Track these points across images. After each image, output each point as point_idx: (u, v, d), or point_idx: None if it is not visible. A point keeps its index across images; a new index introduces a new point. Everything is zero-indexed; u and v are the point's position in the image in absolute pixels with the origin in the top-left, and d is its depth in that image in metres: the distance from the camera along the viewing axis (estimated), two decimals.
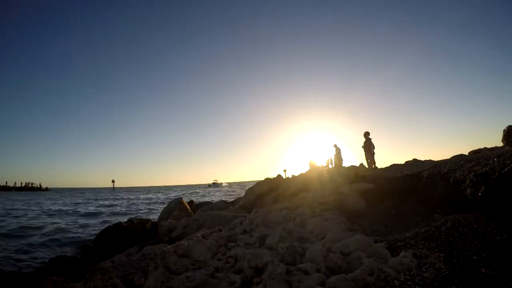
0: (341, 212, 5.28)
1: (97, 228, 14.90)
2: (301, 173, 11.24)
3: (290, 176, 12.21)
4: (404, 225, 4.42)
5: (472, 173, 4.46)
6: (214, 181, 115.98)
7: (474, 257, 2.78)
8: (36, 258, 9.52)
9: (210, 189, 79.45)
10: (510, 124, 9.57)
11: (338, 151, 12.56)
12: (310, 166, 12.17)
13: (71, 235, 13.87)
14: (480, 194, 4.09)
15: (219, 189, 76.71)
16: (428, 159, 9.91)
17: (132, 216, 18.53)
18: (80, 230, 15.26)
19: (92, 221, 19.17)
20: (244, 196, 12.74)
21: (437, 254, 3.04)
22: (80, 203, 33.61)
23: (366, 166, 11.33)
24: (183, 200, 13.06)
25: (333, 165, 12.53)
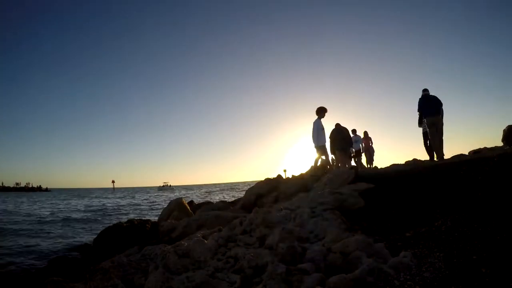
0: (341, 212, 5.27)
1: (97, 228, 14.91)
2: (301, 173, 11.23)
3: (290, 176, 12.21)
4: (404, 225, 4.42)
5: (472, 173, 4.47)
6: (165, 184, 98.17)
7: (474, 257, 2.78)
8: (37, 258, 9.52)
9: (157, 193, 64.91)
10: (510, 124, 9.58)
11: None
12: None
13: (72, 235, 13.88)
14: (480, 193, 4.09)
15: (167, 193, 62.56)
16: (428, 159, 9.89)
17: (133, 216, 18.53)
18: (80, 231, 15.27)
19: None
20: (244, 196, 12.74)
21: (437, 254, 3.04)
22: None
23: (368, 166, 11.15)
24: (183, 200, 13.08)
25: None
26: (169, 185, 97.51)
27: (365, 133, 13.13)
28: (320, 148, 9.48)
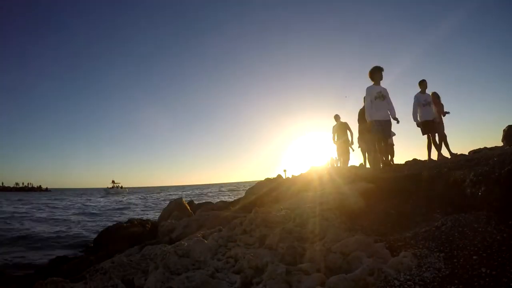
0: (341, 212, 5.27)
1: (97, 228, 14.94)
2: (301, 173, 11.25)
3: (290, 176, 12.24)
4: (404, 225, 4.42)
5: (472, 173, 4.46)
6: (114, 184, 75.45)
7: (474, 257, 2.78)
8: (37, 258, 9.54)
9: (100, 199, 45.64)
10: (510, 124, 9.56)
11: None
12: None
13: (72, 235, 13.90)
14: (480, 193, 4.09)
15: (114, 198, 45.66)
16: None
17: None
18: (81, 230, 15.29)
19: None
20: (244, 196, 12.75)
21: (437, 254, 3.04)
22: None
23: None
24: (183, 200, 13.09)
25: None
26: (119, 186, 76.64)
27: (435, 95, 7.71)
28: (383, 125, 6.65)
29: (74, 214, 23.34)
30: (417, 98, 7.45)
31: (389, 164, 7.57)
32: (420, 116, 7.43)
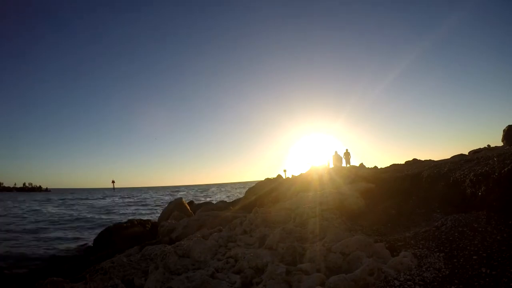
0: (341, 212, 5.28)
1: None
2: (301, 173, 11.25)
3: (290, 177, 12.23)
4: (404, 225, 4.42)
5: (472, 173, 4.46)
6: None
7: (474, 257, 2.79)
8: (37, 258, 9.53)
9: None
10: (510, 124, 9.55)
11: (338, 157, 12.45)
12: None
13: (73, 235, 13.90)
14: (480, 193, 4.09)
15: None
16: (428, 159, 9.88)
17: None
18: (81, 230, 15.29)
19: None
20: (244, 196, 12.74)
21: (437, 254, 3.05)
22: None
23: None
24: (183, 200, 13.07)
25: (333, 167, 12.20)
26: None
27: None
28: None
29: (72, 214, 23.37)
30: None
31: None
32: None
